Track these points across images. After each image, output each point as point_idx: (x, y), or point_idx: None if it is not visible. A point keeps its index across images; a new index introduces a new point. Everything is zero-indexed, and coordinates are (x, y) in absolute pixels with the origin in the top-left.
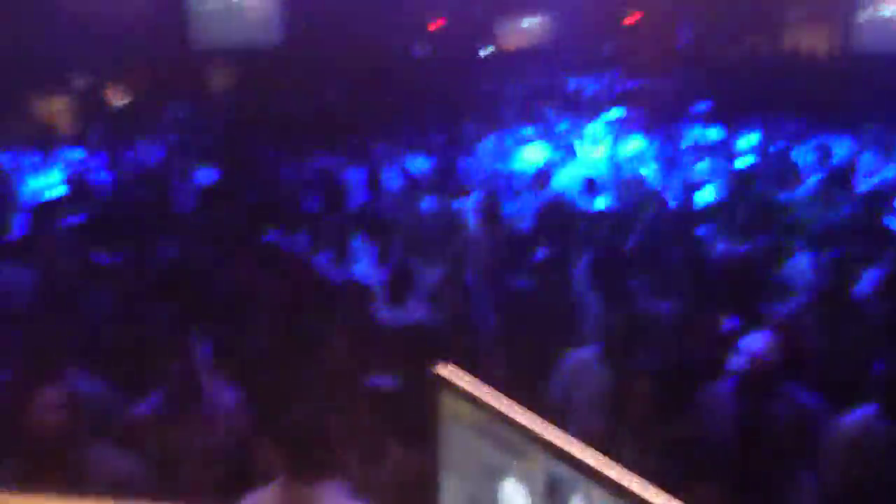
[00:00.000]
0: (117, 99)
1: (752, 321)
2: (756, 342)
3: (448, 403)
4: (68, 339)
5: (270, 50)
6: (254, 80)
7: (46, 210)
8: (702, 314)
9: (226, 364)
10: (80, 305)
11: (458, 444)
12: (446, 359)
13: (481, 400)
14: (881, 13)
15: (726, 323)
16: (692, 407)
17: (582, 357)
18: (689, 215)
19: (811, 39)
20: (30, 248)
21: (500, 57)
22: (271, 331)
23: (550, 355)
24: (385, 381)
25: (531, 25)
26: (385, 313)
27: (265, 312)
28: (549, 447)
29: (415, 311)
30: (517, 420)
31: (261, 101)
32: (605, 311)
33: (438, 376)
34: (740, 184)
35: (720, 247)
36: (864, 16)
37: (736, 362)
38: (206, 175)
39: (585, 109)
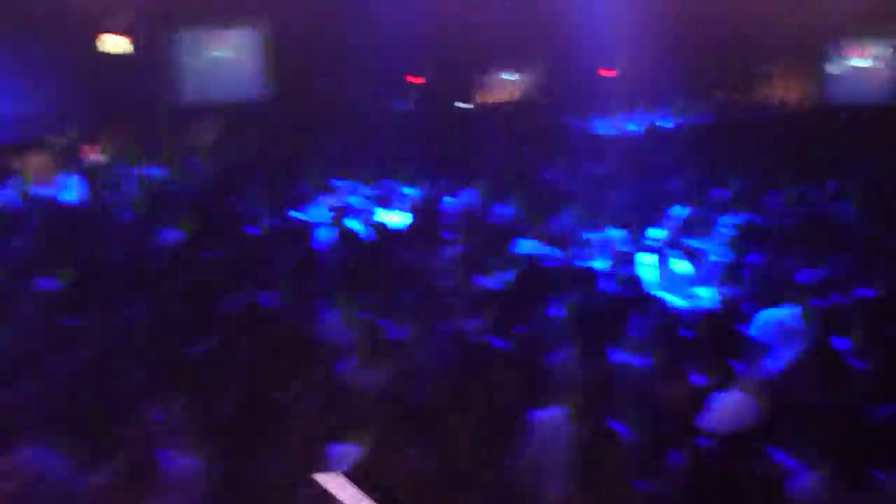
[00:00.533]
0: (93, 155)
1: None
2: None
3: None
4: (27, 406)
5: (251, 106)
6: (231, 135)
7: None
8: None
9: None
10: (41, 369)
11: None
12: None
13: None
14: None
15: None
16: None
17: (548, 417)
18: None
19: None
20: None
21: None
22: (238, 396)
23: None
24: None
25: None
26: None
27: (233, 377)
28: None
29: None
30: None
31: (237, 157)
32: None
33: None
34: None
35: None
36: None
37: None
38: (172, 233)
39: None
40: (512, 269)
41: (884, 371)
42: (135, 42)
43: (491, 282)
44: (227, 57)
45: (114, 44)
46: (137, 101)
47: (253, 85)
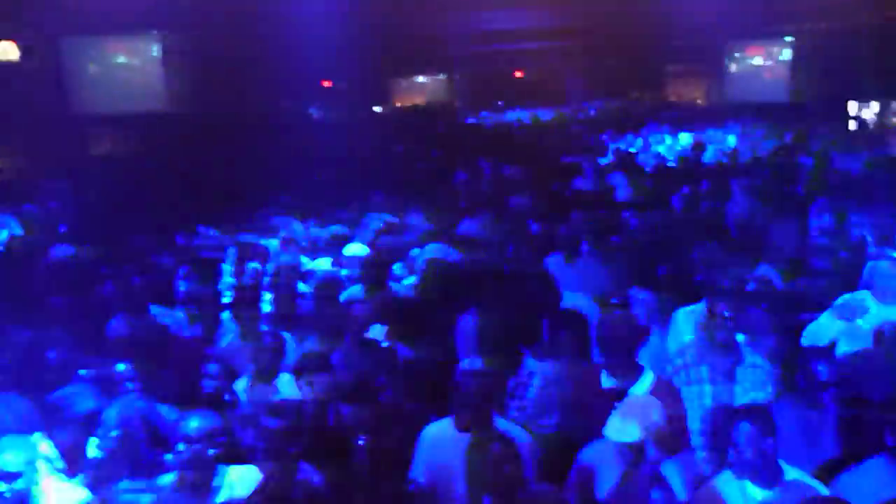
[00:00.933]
0: None
1: None
2: None
3: None
4: None
5: (154, 115)
6: (134, 147)
7: None
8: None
9: None
10: None
11: None
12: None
13: None
14: None
15: None
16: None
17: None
18: None
19: None
20: None
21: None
22: None
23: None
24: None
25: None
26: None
27: None
28: None
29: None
30: None
31: (140, 170)
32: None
33: None
34: None
35: None
36: None
37: None
38: (64, 251)
39: None
40: (422, 274)
41: None
42: (23, 47)
43: (402, 288)
44: (128, 64)
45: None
46: (26, 112)
47: (156, 94)
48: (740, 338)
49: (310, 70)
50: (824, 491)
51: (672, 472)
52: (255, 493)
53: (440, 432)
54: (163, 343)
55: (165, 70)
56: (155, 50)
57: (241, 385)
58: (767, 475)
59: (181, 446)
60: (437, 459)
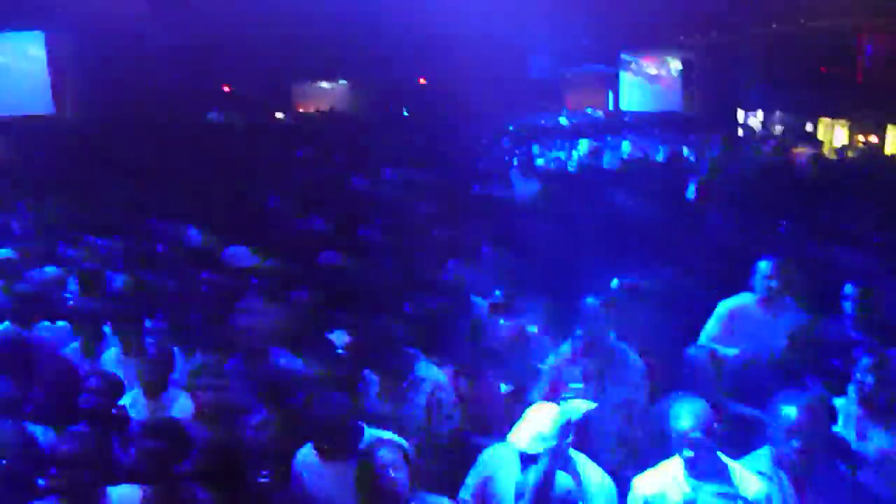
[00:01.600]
0: None
1: None
2: None
3: None
4: None
5: (39, 119)
6: (17, 152)
7: None
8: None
9: None
10: None
11: None
12: None
13: None
14: None
15: None
16: None
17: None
18: None
19: None
20: None
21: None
22: None
23: None
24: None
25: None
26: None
27: None
28: None
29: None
30: None
31: (23, 177)
32: None
33: None
34: None
35: None
36: None
37: None
38: None
39: None
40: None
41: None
42: None
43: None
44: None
45: None
46: None
47: (39, 97)
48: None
49: (209, 74)
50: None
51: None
52: None
53: (309, 458)
54: (35, 358)
55: (51, 71)
56: (39, 50)
57: (127, 400)
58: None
59: (56, 469)
60: (310, 486)
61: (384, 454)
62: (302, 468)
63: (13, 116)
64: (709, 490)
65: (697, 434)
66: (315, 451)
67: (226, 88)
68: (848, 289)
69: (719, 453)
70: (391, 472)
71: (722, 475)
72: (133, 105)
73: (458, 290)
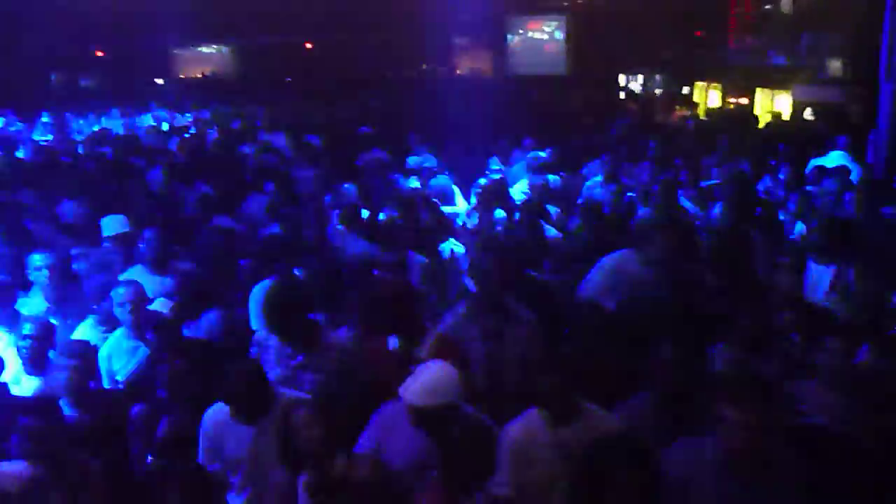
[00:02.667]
0: None
1: None
2: None
3: None
4: None
5: None
6: None
7: None
8: None
9: None
10: None
11: None
12: None
13: None
14: None
15: None
16: None
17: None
18: None
19: None
20: None
21: None
22: None
23: None
24: None
25: None
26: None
27: None
28: None
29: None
30: None
31: None
32: None
33: None
34: None
35: None
36: None
37: None
38: None
39: None
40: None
41: None
42: None
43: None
44: None
45: None
46: None
47: None
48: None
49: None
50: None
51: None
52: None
53: (221, 417)
54: None
55: None
56: None
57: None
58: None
59: None
60: (226, 448)
61: (297, 414)
62: (213, 429)
63: None
64: (566, 430)
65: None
66: (228, 413)
67: (98, 53)
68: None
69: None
70: (306, 431)
71: (580, 416)
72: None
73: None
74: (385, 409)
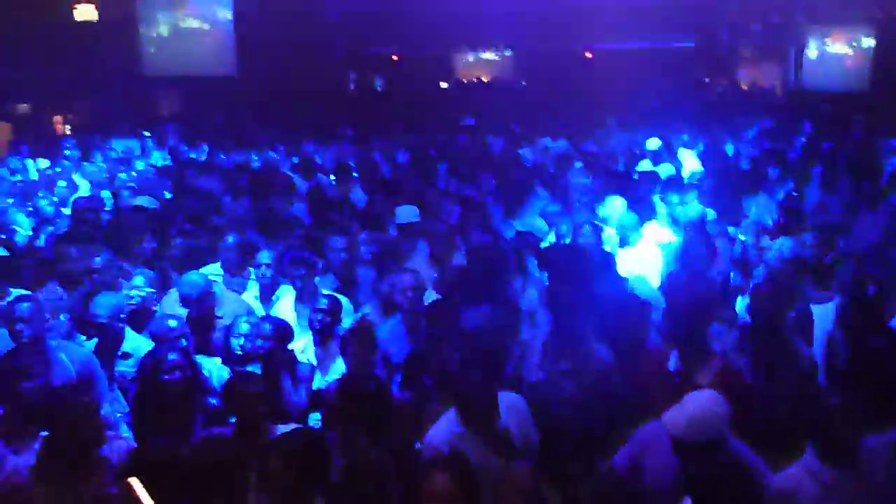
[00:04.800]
0: None
1: None
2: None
3: None
4: None
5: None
6: None
7: None
8: None
9: None
10: None
11: None
12: None
13: None
14: None
15: None
16: None
17: None
18: None
19: None
20: None
21: None
22: None
23: None
24: None
25: None
26: None
27: None
28: None
29: None
30: None
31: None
32: None
33: None
34: None
35: None
36: None
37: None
38: None
39: None
40: None
41: None
42: None
43: None
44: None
45: None
46: None
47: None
48: None
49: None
50: None
51: None
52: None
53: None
54: None
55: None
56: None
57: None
58: None
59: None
60: None
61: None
62: None
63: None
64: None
65: None
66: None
67: (394, 57)
68: None
69: None
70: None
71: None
72: (305, 71)
73: None
74: (647, 427)
